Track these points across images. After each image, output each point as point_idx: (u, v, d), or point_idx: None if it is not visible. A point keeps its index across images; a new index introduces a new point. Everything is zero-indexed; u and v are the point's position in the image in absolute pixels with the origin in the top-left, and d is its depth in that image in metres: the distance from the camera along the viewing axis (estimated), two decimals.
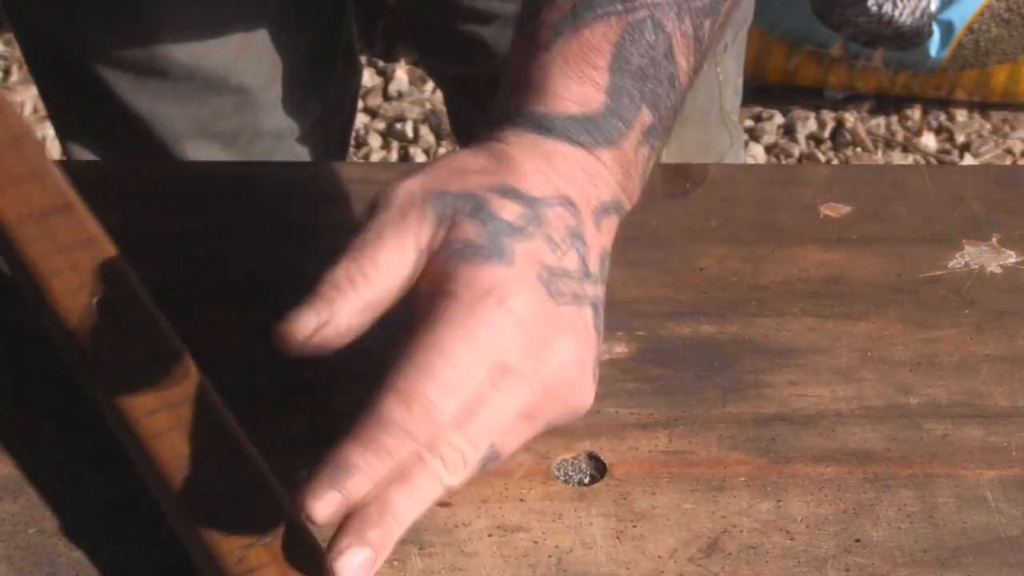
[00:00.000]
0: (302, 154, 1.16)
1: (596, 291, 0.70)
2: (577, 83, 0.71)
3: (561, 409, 0.69)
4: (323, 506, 0.64)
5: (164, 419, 0.70)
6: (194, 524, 0.67)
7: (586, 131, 0.70)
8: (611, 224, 0.71)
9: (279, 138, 1.14)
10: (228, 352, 0.79)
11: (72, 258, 0.75)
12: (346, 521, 0.65)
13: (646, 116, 0.71)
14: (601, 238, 0.70)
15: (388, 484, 0.65)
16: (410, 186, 0.69)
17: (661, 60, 0.72)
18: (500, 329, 0.66)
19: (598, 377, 0.71)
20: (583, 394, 0.70)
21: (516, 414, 0.67)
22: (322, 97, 1.16)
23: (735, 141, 1.23)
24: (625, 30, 0.71)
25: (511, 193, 0.69)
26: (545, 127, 0.70)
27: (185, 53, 1.08)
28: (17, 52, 2.42)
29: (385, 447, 0.64)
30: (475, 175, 0.69)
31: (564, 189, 0.70)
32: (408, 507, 0.65)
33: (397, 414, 0.65)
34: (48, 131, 2.30)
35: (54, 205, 0.77)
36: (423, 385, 0.65)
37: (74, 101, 1.15)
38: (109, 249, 0.76)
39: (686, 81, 0.74)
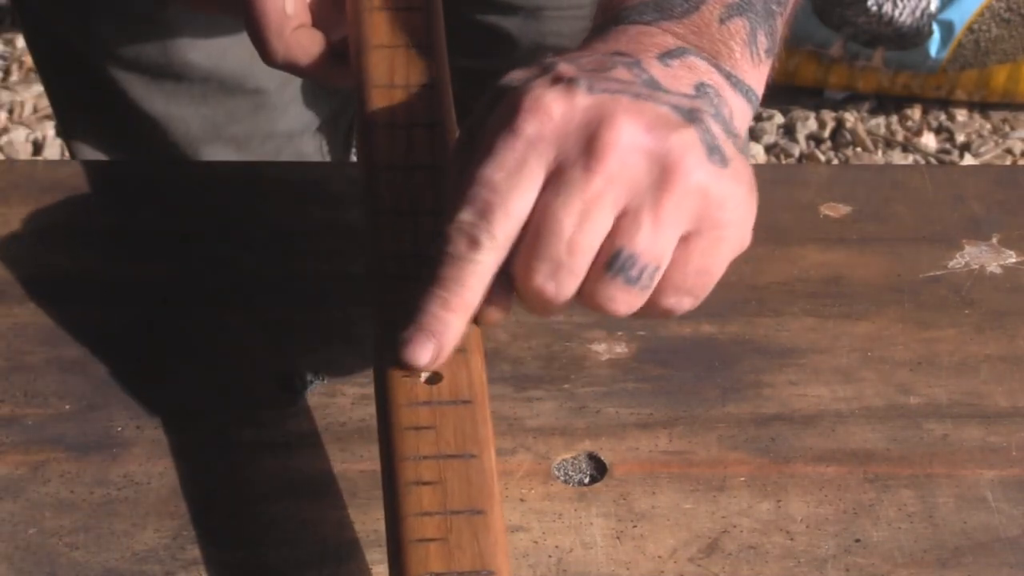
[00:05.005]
0: (308, 153, 1.16)
1: (679, 101, 0.70)
2: None
3: (671, 193, 0.67)
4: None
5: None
6: None
7: (646, 12, 0.74)
8: (687, 63, 0.73)
9: (289, 138, 1.14)
10: (229, 351, 0.79)
11: None
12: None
13: None
14: (675, 70, 0.72)
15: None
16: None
17: None
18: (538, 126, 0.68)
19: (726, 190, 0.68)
20: (696, 179, 0.67)
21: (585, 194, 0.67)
22: (331, 95, 1.16)
23: None
24: None
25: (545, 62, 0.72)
26: (612, 21, 0.75)
27: (202, 55, 1.08)
28: (17, 52, 2.42)
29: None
30: None
31: (613, 48, 0.73)
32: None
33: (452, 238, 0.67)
34: (48, 131, 2.30)
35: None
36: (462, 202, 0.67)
37: (86, 103, 1.14)
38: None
39: None
